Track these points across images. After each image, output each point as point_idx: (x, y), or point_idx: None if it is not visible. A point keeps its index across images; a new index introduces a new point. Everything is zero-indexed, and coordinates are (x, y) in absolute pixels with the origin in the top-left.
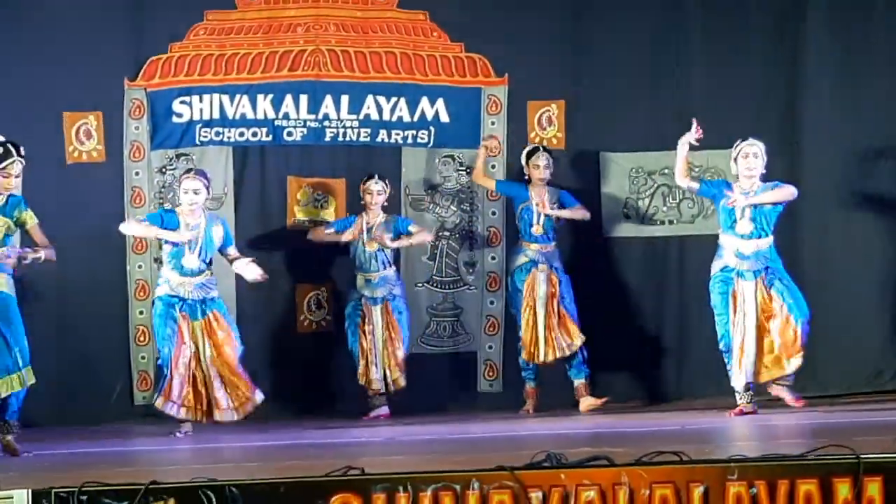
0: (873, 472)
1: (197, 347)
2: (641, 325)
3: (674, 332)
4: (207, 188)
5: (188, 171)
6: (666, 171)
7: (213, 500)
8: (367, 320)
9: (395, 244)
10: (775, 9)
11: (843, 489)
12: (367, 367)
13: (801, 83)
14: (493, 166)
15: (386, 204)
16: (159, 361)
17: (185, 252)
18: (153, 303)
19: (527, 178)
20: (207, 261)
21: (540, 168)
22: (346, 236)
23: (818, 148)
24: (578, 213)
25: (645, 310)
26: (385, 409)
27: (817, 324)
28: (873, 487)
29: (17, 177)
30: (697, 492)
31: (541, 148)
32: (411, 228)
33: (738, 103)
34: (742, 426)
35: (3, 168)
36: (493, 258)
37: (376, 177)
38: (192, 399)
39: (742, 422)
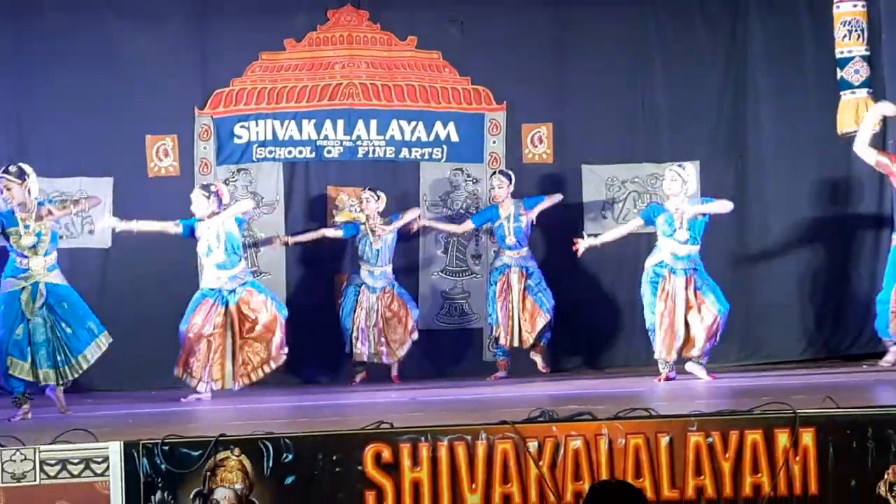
0: (807, 424)
1: (224, 328)
2: (617, 306)
3: (636, 310)
4: (208, 197)
5: (197, 187)
6: (636, 179)
7: (271, 449)
8: (360, 303)
9: (392, 227)
10: (723, 46)
11: (782, 438)
12: (355, 342)
13: (745, 108)
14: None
15: (380, 210)
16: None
17: (212, 250)
18: None
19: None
20: (235, 253)
21: (494, 189)
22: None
23: (760, 159)
24: (551, 201)
25: (620, 293)
26: (364, 372)
27: (760, 304)
28: (807, 437)
29: (9, 190)
30: (664, 441)
31: (496, 171)
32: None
33: (694, 124)
34: (699, 388)
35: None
36: (495, 252)
37: (367, 189)
38: (211, 370)
39: (699, 384)
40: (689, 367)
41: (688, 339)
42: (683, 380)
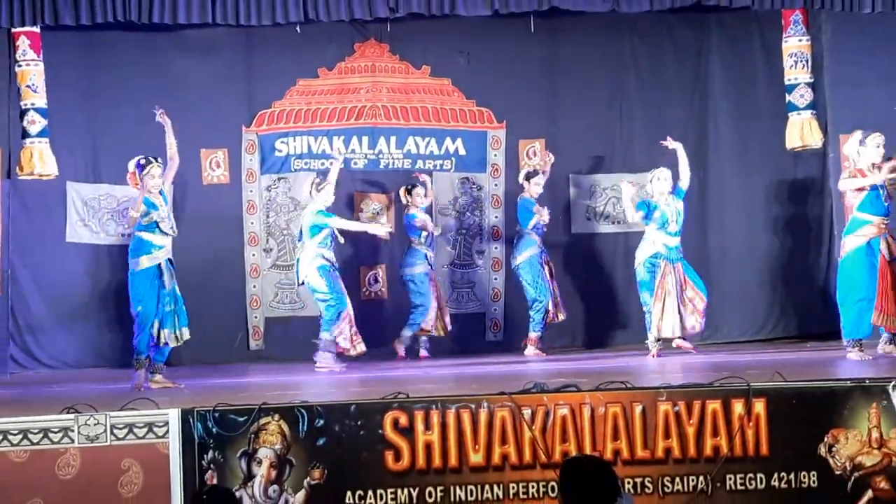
0: (759, 395)
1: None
2: (598, 293)
3: (620, 299)
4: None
5: (321, 181)
6: (615, 186)
7: (305, 415)
8: (433, 285)
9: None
10: (689, 74)
11: (738, 407)
12: (434, 319)
13: (708, 126)
14: (496, 185)
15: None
16: (336, 309)
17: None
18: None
19: (527, 191)
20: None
21: (539, 185)
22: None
23: (719, 169)
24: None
25: (600, 283)
26: (427, 352)
27: (719, 292)
28: (759, 405)
29: (159, 177)
30: (638, 409)
31: (538, 171)
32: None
33: (663, 137)
34: (667, 364)
35: (148, 172)
36: (496, 248)
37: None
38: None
39: (667, 360)
40: (676, 343)
41: (683, 316)
42: (663, 356)
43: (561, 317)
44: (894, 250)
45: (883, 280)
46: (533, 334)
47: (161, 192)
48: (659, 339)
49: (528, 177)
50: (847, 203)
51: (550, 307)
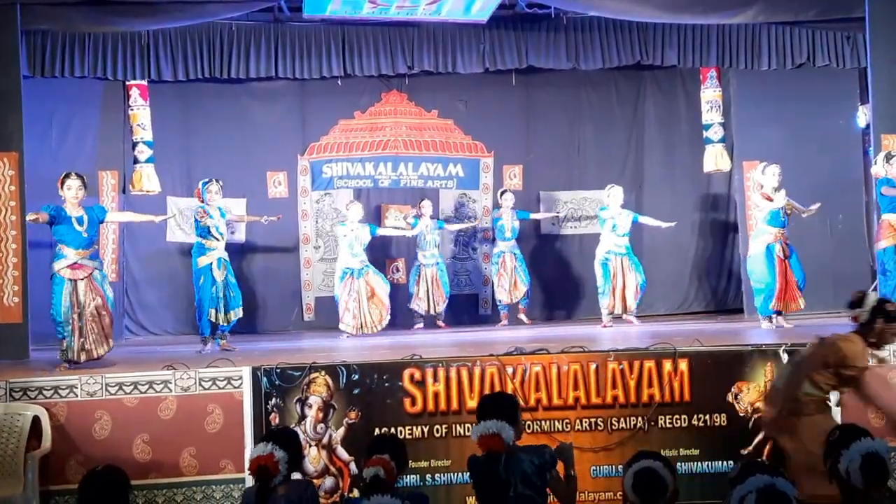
0: (683, 356)
1: (357, 293)
2: (562, 279)
3: (576, 282)
4: (361, 209)
5: (351, 201)
6: (573, 200)
7: (345, 372)
8: (422, 276)
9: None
10: (629, 114)
11: (667, 365)
12: (420, 299)
13: (644, 154)
14: (486, 199)
15: (431, 215)
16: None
17: (354, 245)
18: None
19: (500, 205)
20: (364, 249)
21: (508, 201)
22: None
23: (652, 186)
24: (533, 216)
25: (563, 271)
26: (422, 324)
27: (653, 278)
28: (683, 364)
29: (216, 193)
30: (592, 367)
31: (508, 190)
32: (446, 226)
33: (610, 164)
34: (614, 332)
35: (208, 189)
36: (486, 246)
37: (427, 200)
38: (352, 318)
39: (615, 330)
40: (625, 317)
41: (624, 299)
42: (611, 327)
43: (514, 299)
44: (786, 252)
45: (780, 275)
46: (503, 312)
47: (219, 208)
48: (610, 314)
49: (502, 194)
50: (752, 216)
51: (502, 294)
